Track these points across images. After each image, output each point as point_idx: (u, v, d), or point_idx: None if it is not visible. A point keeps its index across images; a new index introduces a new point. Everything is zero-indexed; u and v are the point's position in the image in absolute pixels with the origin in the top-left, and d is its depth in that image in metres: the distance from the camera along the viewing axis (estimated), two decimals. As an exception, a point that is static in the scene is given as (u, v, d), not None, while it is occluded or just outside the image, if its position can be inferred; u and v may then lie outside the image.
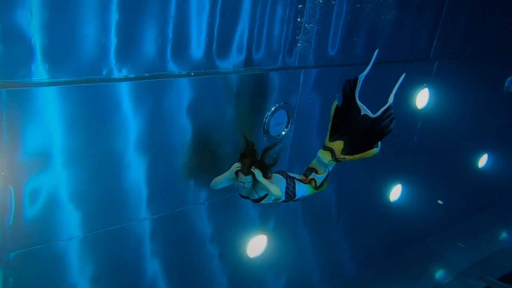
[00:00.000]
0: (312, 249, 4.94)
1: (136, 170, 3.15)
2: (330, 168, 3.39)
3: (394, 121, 3.19)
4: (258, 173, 3.01)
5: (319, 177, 3.37)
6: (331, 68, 4.00)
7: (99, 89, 2.74)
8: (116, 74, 2.81)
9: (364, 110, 3.26)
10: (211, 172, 3.34)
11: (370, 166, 4.46)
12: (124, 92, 2.89)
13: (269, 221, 4.29)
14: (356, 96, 3.27)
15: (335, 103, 3.33)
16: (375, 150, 3.27)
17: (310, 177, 3.37)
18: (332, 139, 3.35)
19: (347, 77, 3.33)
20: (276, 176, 3.22)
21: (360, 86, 3.26)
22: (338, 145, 3.32)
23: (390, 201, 5.59)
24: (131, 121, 2.99)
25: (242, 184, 3.08)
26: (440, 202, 5.49)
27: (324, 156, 3.33)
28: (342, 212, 4.99)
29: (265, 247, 4.35)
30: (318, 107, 4.08)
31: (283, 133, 3.94)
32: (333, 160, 3.32)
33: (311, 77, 3.93)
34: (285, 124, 3.92)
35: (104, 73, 2.75)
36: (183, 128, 3.26)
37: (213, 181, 3.22)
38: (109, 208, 3.10)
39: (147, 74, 2.94)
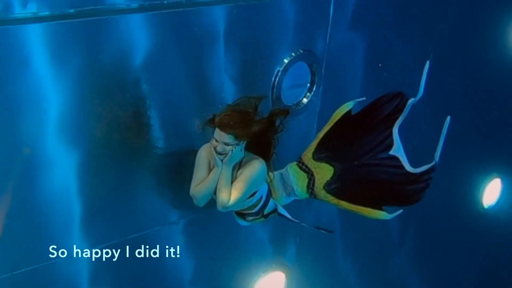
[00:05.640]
0: (361, 291, 4.99)
1: (60, 173, 3.12)
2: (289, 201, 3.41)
3: (428, 189, 3.31)
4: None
5: (271, 202, 3.34)
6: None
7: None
8: (18, 12, 2.77)
9: (398, 150, 3.34)
10: (186, 168, 3.34)
11: (449, 150, 4.18)
12: (35, 42, 2.85)
13: (288, 248, 4.32)
14: (397, 124, 3.37)
15: (349, 105, 3.40)
16: (382, 215, 3.34)
17: None
18: (318, 156, 3.37)
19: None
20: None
21: (408, 111, 3.34)
22: (323, 171, 3.36)
23: (483, 207, 5.67)
24: (48, 89, 2.95)
25: (216, 145, 2.97)
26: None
27: (297, 179, 3.36)
28: (408, 229, 5.04)
29: (283, 291, 4.40)
30: (362, 57, 4.12)
31: (305, 100, 3.96)
32: (309, 192, 3.37)
33: (349, 5, 3.94)
34: (307, 86, 3.94)
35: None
36: (137, 100, 3.24)
37: (193, 187, 3.20)
38: (18, 238, 3.09)
39: (72, 11, 2.93)
